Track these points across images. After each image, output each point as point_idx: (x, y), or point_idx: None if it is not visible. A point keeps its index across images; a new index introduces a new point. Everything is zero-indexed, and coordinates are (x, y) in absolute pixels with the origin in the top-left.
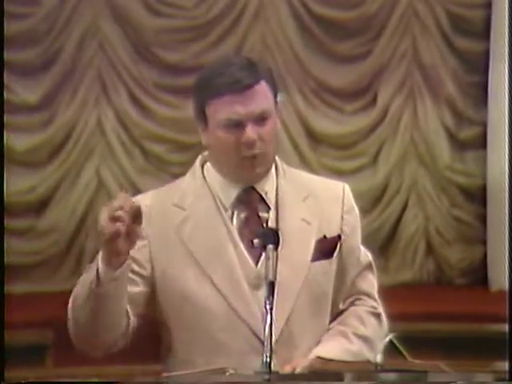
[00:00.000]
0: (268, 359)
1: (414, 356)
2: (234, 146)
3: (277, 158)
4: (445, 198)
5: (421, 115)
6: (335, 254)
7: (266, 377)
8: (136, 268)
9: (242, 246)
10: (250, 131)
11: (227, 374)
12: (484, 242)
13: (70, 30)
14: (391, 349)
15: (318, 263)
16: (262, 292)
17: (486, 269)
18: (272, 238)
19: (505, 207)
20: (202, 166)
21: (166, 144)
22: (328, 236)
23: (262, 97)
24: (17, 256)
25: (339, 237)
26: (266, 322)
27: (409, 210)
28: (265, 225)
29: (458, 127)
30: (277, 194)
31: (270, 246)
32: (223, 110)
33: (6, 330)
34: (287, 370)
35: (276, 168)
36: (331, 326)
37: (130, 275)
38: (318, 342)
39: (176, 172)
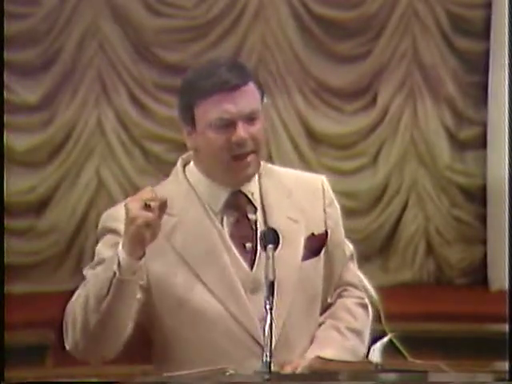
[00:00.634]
0: (268, 359)
1: (414, 356)
2: (224, 146)
3: None
4: (445, 198)
5: (421, 115)
6: (323, 251)
7: (266, 377)
8: None
9: (235, 250)
10: (241, 130)
11: (227, 373)
12: (484, 242)
13: (70, 30)
14: (391, 349)
15: (308, 262)
16: (259, 296)
17: (486, 269)
18: (272, 238)
19: (505, 207)
20: (184, 169)
21: (166, 144)
22: (315, 233)
23: (251, 97)
24: (17, 256)
25: (326, 233)
26: (265, 322)
27: (409, 209)
28: (254, 227)
29: (458, 127)
30: (261, 195)
31: (270, 246)
32: (213, 109)
33: (6, 330)
34: (288, 370)
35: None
36: (321, 319)
37: None
38: (312, 339)
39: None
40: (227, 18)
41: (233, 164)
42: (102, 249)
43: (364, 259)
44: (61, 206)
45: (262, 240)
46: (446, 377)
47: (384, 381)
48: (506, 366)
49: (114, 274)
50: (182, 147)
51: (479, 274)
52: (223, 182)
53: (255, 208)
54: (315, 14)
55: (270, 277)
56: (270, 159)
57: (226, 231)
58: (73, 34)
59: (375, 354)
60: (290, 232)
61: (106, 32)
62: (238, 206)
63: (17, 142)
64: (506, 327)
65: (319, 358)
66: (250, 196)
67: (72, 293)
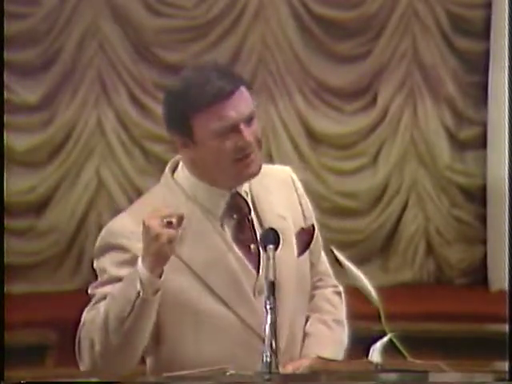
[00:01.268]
0: (268, 359)
1: (414, 356)
2: (231, 151)
3: None
4: (445, 198)
5: (421, 115)
6: (312, 244)
7: (267, 377)
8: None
9: (239, 253)
10: (246, 133)
11: (227, 373)
12: (484, 242)
13: (70, 30)
14: (391, 349)
15: (302, 258)
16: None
17: (486, 269)
18: (272, 238)
19: (505, 207)
20: (173, 175)
21: (166, 144)
22: (303, 227)
23: (246, 99)
24: (17, 256)
25: (313, 226)
26: (266, 322)
27: (409, 209)
28: (252, 227)
29: (458, 127)
30: (251, 195)
31: (271, 247)
32: (214, 119)
33: (6, 330)
34: (288, 370)
35: None
36: (306, 313)
37: None
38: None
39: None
40: (227, 18)
41: (236, 165)
42: (110, 267)
43: (364, 259)
44: (61, 205)
45: (262, 240)
46: (446, 377)
47: (384, 381)
48: (505, 366)
49: (138, 293)
50: None
51: (479, 273)
52: (223, 185)
53: (249, 209)
54: (315, 14)
55: (271, 277)
56: (270, 159)
57: (230, 236)
58: (73, 34)
59: (375, 354)
60: (283, 230)
61: (106, 32)
62: (238, 207)
63: (17, 142)
64: (506, 327)
65: (319, 358)
66: (245, 197)
67: (72, 293)
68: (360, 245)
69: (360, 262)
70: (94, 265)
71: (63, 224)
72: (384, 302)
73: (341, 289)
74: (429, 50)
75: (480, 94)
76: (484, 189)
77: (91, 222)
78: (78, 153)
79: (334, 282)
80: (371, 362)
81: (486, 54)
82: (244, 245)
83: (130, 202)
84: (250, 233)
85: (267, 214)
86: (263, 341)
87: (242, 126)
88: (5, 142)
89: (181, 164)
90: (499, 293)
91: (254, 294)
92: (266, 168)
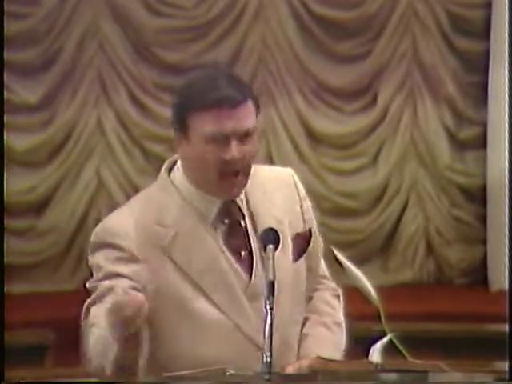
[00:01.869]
0: (268, 359)
1: (414, 356)
2: (215, 162)
3: None
4: (445, 198)
5: (421, 115)
6: (309, 248)
7: (266, 377)
8: (136, 285)
9: (232, 258)
10: (236, 149)
11: (227, 374)
12: (484, 242)
13: (70, 29)
14: (391, 349)
15: (298, 262)
16: (258, 303)
17: (486, 269)
18: (272, 238)
19: (505, 207)
20: (169, 175)
21: (166, 144)
22: (299, 231)
23: (249, 115)
24: (17, 256)
25: (310, 231)
26: (265, 322)
27: (409, 209)
28: (246, 234)
29: (458, 127)
30: (246, 199)
31: (271, 246)
32: (210, 123)
33: (6, 330)
34: (289, 371)
35: None
36: (304, 315)
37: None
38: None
39: None
40: (227, 18)
41: (219, 182)
42: (105, 263)
43: (364, 259)
44: (61, 205)
45: (261, 240)
46: (446, 377)
47: (384, 381)
48: (505, 366)
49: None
50: None
51: (479, 273)
52: (212, 193)
53: (243, 214)
54: (315, 14)
55: (270, 277)
56: (270, 159)
57: (222, 241)
58: (73, 34)
59: (375, 354)
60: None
61: (106, 32)
62: (230, 213)
63: (17, 142)
64: (506, 327)
65: (319, 358)
66: (240, 204)
67: (72, 293)
68: (360, 245)
69: (360, 262)
70: (89, 260)
71: (63, 224)
72: (384, 302)
73: (340, 292)
74: (429, 50)
75: (480, 93)
76: (484, 189)
77: (91, 222)
78: (77, 153)
79: (334, 285)
80: (371, 362)
81: (486, 54)
82: (235, 251)
83: None
84: (243, 239)
85: (263, 218)
86: (255, 344)
87: (233, 141)
88: (5, 142)
89: (178, 164)
90: (499, 293)
91: (246, 299)
92: (267, 169)
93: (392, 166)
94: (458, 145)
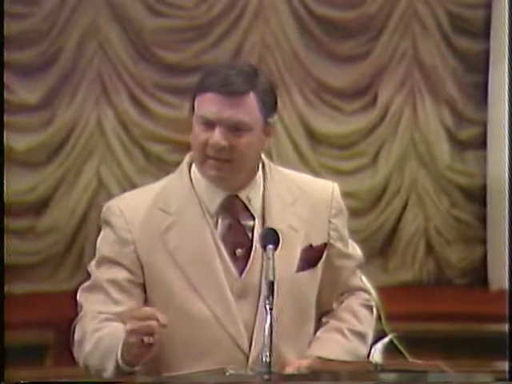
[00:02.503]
0: (268, 359)
1: (413, 356)
2: (202, 144)
3: (264, 159)
4: (445, 198)
5: (421, 115)
6: (320, 263)
7: (266, 377)
8: (129, 276)
9: (225, 254)
10: (218, 135)
11: (227, 374)
12: (484, 242)
13: (70, 30)
14: (391, 349)
15: (302, 273)
16: (245, 302)
17: (486, 269)
18: (272, 238)
19: (505, 207)
20: (190, 166)
21: (166, 144)
22: (314, 244)
23: (244, 108)
24: (17, 256)
25: (325, 245)
26: (266, 322)
27: (409, 210)
28: (249, 234)
29: (458, 127)
30: (263, 201)
31: (270, 246)
32: (203, 106)
33: (6, 330)
34: (289, 371)
35: (264, 171)
36: (324, 319)
37: (125, 284)
38: (311, 339)
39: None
40: (227, 18)
41: (206, 162)
42: (102, 244)
43: (364, 259)
44: (61, 205)
45: (261, 240)
46: (446, 377)
47: (384, 381)
48: (506, 366)
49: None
50: (182, 147)
51: (479, 273)
52: (214, 184)
53: (251, 215)
54: (315, 14)
55: (270, 277)
56: (270, 159)
57: (219, 235)
58: (73, 34)
59: (375, 354)
60: (287, 241)
61: (106, 32)
62: (233, 210)
63: (17, 142)
64: (506, 327)
65: (319, 358)
66: (246, 202)
67: (72, 293)
68: (360, 245)
69: None
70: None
71: (63, 224)
72: (384, 302)
73: (373, 303)
74: (429, 50)
75: (480, 93)
76: (484, 189)
77: (91, 221)
78: (77, 153)
79: (367, 296)
80: (371, 362)
81: (486, 54)
82: (230, 248)
83: None
84: (243, 238)
85: (274, 223)
86: (235, 342)
87: (218, 128)
88: (5, 142)
89: None
90: (499, 293)
91: (233, 297)
92: (306, 180)
93: (392, 166)
94: (458, 145)
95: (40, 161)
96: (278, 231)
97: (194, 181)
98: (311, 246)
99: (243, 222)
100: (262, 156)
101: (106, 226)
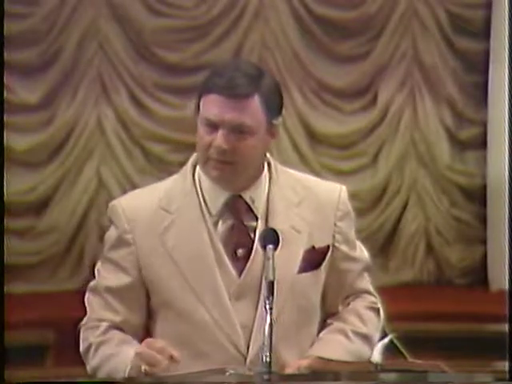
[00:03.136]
0: (268, 359)
1: (414, 356)
2: (205, 146)
3: (271, 159)
4: (445, 198)
5: (421, 115)
6: (323, 265)
7: (266, 377)
8: (129, 282)
9: (224, 255)
10: (221, 138)
11: (227, 374)
12: (484, 242)
13: (70, 30)
14: (391, 349)
15: (304, 275)
16: (243, 303)
17: (486, 269)
18: (272, 238)
19: (505, 207)
20: (195, 167)
21: (166, 144)
22: (317, 246)
23: (247, 111)
24: (17, 256)
25: (328, 248)
26: (265, 322)
27: (409, 209)
28: (252, 234)
29: (457, 127)
30: (267, 201)
31: (270, 246)
32: (206, 107)
33: (6, 330)
34: (289, 371)
35: (269, 172)
36: (329, 321)
37: (125, 292)
38: (314, 340)
39: (176, 172)
40: (227, 18)
41: (208, 163)
42: (106, 242)
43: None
44: (61, 205)
45: (261, 240)
46: (446, 377)
47: (384, 381)
48: (506, 366)
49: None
50: (182, 147)
51: (479, 274)
52: (218, 184)
53: (254, 215)
54: (315, 14)
55: (270, 277)
56: None
57: (218, 235)
58: (73, 34)
59: (376, 354)
60: (289, 242)
61: (106, 32)
62: (236, 210)
63: (17, 142)
64: (506, 327)
65: (319, 358)
66: (250, 203)
67: (72, 293)
68: None
69: None
70: None
71: (63, 224)
72: (384, 302)
73: (379, 306)
74: (429, 50)
75: (480, 93)
76: (484, 189)
77: (91, 221)
78: (77, 153)
79: (373, 299)
80: (371, 362)
81: (486, 54)
82: (231, 248)
83: None
84: (246, 238)
85: (277, 223)
86: (232, 343)
87: (222, 131)
88: (5, 142)
89: None
90: (499, 293)
91: (230, 299)
92: (313, 182)
93: (392, 165)
94: (458, 145)
95: (40, 161)
96: (279, 232)
97: (198, 181)
98: (313, 247)
99: (246, 223)
100: (269, 157)
101: (110, 224)
